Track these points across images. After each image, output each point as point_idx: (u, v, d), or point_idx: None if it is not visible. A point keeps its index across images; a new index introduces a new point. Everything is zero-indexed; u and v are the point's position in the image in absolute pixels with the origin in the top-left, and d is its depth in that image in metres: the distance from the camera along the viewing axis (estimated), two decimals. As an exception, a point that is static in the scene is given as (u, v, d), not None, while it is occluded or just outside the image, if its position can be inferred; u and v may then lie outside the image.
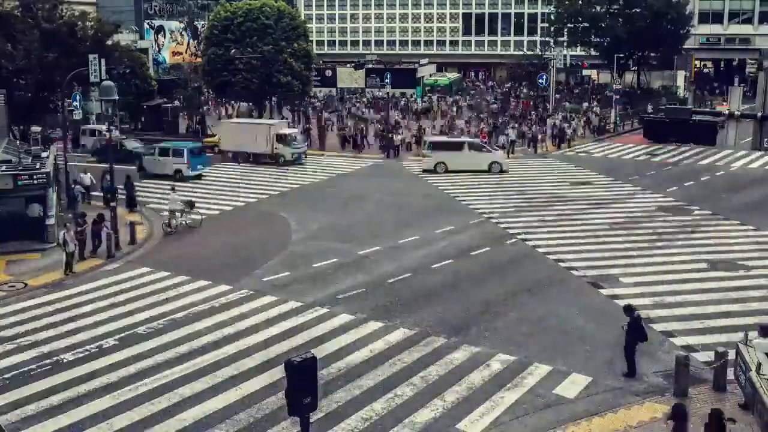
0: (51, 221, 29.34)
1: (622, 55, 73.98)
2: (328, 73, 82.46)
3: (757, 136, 18.28)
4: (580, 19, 76.28)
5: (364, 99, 76.68)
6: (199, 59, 65.86)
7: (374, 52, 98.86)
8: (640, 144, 53.13)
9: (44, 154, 32.06)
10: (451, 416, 16.44)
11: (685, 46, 78.21)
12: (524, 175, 43.77)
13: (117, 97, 33.88)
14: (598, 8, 74.89)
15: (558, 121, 57.98)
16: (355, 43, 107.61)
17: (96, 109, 55.74)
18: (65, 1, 44.91)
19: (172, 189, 34.94)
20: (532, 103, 72.81)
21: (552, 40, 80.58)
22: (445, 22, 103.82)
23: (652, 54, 76.29)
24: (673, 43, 74.72)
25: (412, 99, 76.93)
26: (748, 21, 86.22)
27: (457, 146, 45.04)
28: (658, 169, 45.45)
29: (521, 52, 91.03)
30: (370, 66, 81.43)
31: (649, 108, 59.23)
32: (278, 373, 16.90)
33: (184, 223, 32.27)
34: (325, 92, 78.88)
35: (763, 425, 12.55)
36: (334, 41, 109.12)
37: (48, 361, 19.19)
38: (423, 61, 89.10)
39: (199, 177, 42.68)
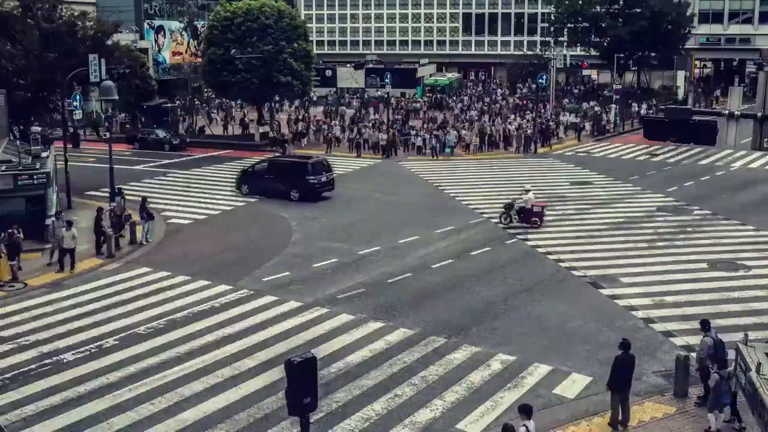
0: (50, 221, 29.38)
1: (622, 55, 73.96)
2: (328, 73, 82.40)
3: (757, 136, 18.26)
4: (580, 19, 76.27)
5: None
6: (199, 59, 65.69)
7: (374, 52, 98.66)
8: (640, 144, 53.13)
9: (44, 154, 32.06)
10: (451, 416, 16.44)
11: (685, 46, 78.18)
12: (524, 174, 43.75)
13: (117, 97, 33.95)
14: (598, 8, 74.89)
15: (545, 120, 58.10)
16: (355, 43, 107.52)
17: (96, 108, 55.92)
18: (65, 1, 44.87)
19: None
20: (529, 102, 72.99)
21: (552, 40, 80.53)
22: (445, 22, 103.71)
23: (652, 54, 76.27)
24: (673, 43, 74.67)
25: (413, 98, 77.05)
26: (748, 21, 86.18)
27: None
28: (658, 169, 45.48)
29: (521, 52, 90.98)
30: (370, 66, 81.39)
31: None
32: (278, 373, 16.90)
33: None
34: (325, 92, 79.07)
35: (763, 425, 12.53)
36: (334, 41, 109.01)
37: (48, 361, 19.20)
38: (423, 61, 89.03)
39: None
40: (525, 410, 13.86)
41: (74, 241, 26.60)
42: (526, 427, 13.51)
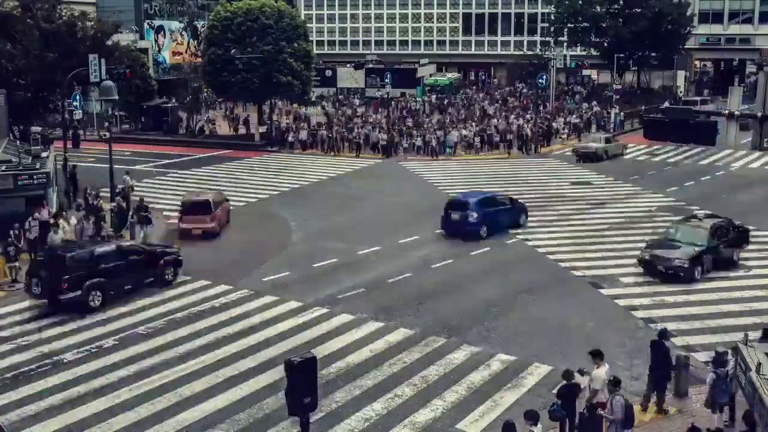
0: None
1: (622, 55, 73.93)
2: (328, 73, 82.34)
3: (757, 136, 18.29)
4: (580, 19, 76.23)
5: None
6: (199, 59, 65.76)
7: (374, 52, 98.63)
8: (640, 144, 53.09)
9: (44, 154, 32.07)
10: (451, 416, 16.44)
11: (685, 46, 78.12)
12: (524, 175, 43.77)
13: (117, 97, 33.95)
14: (598, 8, 74.86)
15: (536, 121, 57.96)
16: (355, 43, 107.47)
17: (96, 108, 55.95)
18: (65, 1, 44.90)
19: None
20: (529, 102, 72.95)
21: (552, 40, 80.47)
22: (445, 22, 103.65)
23: (653, 54, 76.25)
24: (673, 43, 74.65)
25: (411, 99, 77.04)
26: (748, 21, 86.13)
27: None
28: (658, 169, 45.47)
29: (521, 52, 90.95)
30: (370, 66, 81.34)
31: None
32: (278, 373, 16.88)
33: None
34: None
35: (764, 425, 12.53)
36: (334, 41, 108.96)
37: (48, 361, 19.21)
38: (423, 61, 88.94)
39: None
40: (531, 416, 13.03)
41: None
42: None
